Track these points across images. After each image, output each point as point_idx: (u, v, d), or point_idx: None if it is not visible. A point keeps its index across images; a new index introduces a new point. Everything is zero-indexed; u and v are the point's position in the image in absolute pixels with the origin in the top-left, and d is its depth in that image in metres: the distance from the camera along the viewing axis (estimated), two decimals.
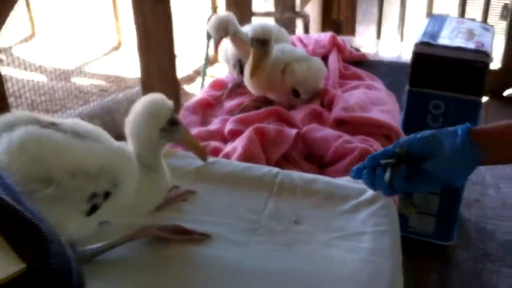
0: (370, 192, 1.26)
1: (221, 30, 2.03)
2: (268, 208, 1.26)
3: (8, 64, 4.17)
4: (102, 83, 4.45)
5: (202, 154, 1.21)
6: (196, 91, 3.98)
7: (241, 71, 2.09)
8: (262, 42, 1.85)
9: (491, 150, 1.00)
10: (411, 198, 2.53)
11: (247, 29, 2.05)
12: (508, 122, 1.03)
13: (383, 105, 1.97)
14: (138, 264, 1.12)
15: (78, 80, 4.44)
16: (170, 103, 1.13)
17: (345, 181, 1.34)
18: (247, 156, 1.60)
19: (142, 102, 1.13)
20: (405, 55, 2.57)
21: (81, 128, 1.06)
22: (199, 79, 3.99)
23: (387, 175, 1.00)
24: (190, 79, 4.38)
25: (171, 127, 1.12)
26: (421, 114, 2.32)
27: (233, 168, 1.36)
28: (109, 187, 1.03)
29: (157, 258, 1.13)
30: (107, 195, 1.03)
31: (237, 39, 2.06)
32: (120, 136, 1.18)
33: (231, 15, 2.06)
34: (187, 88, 4.25)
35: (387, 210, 1.22)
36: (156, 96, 1.14)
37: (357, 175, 1.06)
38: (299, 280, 1.06)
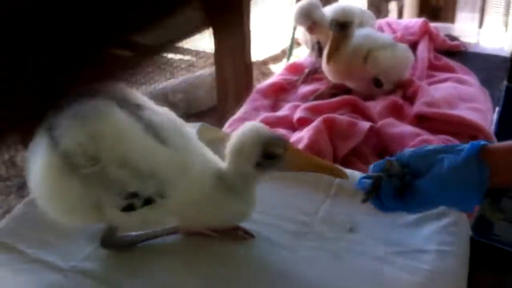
0: None
1: (305, 20, 1.91)
2: (322, 211, 1.14)
3: None
4: (191, 58, 4.43)
5: (335, 173, 1.03)
6: (279, 72, 3.87)
7: (319, 54, 1.96)
8: (342, 25, 1.72)
9: (501, 169, 0.88)
10: (499, 203, 2.31)
11: (329, 10, 1.92)
12: None
13: (474, 102, 1.78)
14: (175, 258, 1.04)
15: (167, 54, 4.44)
16: (263, 135, 0.99)
17: None
18: (312, 148, 1.48)
19: (238, 134, 1.02)
20: (508, 46, 2.33)
21: (159, 122, 0.97)
22: (285, 60, 3.88)
23: (367, 188, 0.94)
24: (276, 58, 4.27)
25: (267, 161, 0.99)
26: None
27: None
28: (154, 194, 0.94)
29: (196, 254, 1.04)
30: (148, 201, 0.94)
31: (317, 24, 1.92)
32: (202, 113, 1.10)
33: (314, 1, 1.93)
34: (273, 67, 4.15)
35: (457, 227, 1.06)
36: (249, 128, 1.01)
37: (360, 183, 0.98)
38: None
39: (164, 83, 3.73)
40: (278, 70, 3.97)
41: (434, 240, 1.03)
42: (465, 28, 3.40)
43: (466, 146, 0.92)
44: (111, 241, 1.04)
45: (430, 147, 0.95)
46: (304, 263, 1.02)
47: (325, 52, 1.78)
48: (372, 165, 0.98)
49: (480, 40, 2.73)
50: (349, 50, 1.76)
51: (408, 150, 0.97)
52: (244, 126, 1.03)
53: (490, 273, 2.27)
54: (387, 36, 1.98)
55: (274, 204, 1.14)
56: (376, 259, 1.01)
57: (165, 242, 1.07)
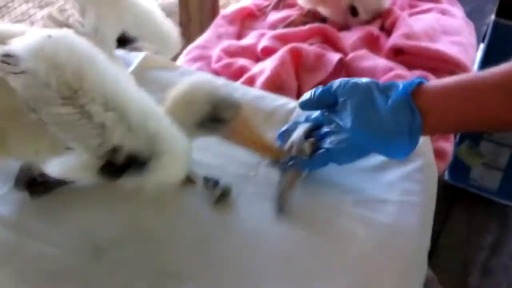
0: None
1: None
2: None
3: None
4: None
5: (272, 154, 0.91)
6: None
7: None
8: None
9: (436, 114, 0.81)
10: (477, 147, 2.22)
11: None
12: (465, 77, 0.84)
13: (457, 36, 1.63)
14: (101, 203, 0.90)
15: None
16: (217, 94, 0.84)
17: None
18: (275, 81, 1.34)
19: (178, 88, 0.86)
20: None
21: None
22: None
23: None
24: None
25: (212, 124, 0.85)
26: (504, 52, 1.95)
27: (242, 95, 1.08)
28: (142, 153, 0.77)
29: (125, 199, 0.89)
30: (133, 161, 0.77)
31: None
32: None
33: None
34: None
35: (423, 174, 0.92)
36: (202, 82, 0.87)
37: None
38: (290, 253, 0.82)
39: None
40: None
41: (396, 188, 0.90)
42: None
43: (399, 85, 0.82)
44: (28, 182, 0.90)
45: (364, 81, 0.85)
46: (245, 214, 0.89)
47: None
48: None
49: None
50: None
51: (337, 81, 0.86)
52: (196, 77, 0.89)
53: (464, 218, 2.20)
54: None
55: (217, 142, 0.99)
56: (328, 209, 0.88)
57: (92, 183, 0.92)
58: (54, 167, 0.80)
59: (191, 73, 1.19)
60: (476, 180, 2.29)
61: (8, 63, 0.74)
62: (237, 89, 1.10)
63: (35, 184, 0.91)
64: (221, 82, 1.14)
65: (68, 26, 0.89)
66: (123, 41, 0.96)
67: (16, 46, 0.75)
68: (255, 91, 1.12)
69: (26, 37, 0.76)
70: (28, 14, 2.78)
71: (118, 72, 0.80)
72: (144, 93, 0.81)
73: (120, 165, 0.77)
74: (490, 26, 1.91)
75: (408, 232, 0.85)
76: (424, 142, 0.96)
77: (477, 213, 2.27)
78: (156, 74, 1.13)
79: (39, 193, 0.91)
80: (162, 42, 1.00)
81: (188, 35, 1.93)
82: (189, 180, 0.93)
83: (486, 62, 1.88)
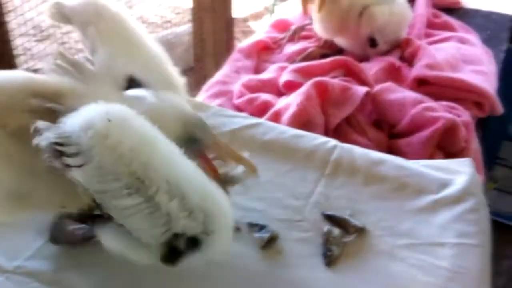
0: (455, 187, 0.94)
1: None
2: (316, 194, 0.96)
3: None
4: (167, 13, 4.19)
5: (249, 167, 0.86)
6: (263, 30, 3.67)
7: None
8: None
9: None
10: (491, 172, 2.20)
11: None
12: None
13: (478, 65, 1.62)
14: None
15: (141, 9, 4.19)
16: (184, 114, 0.81)
17: (424, 166, 1.01)
18: (302, 116, 1.31)
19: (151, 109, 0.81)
20: (503, 6, 2.16)
21: None
22: (267, 17, 3.68)
23: None
24: (258, 16, 4.06)
25: (187, 144, 0.80)
26: None
27: (278, 134, 1.06)
28: (200, 232, 0.74)
29: None
30: (193, 242, 0.74)
31: None
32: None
33: None
34: (254, 26, 3.94)
35: (478, 214, 0.89)
36: (169, 103, 0.83)
37: None
38: None
39: None
40: (259, 28, 3.79)
41: (452, 230, 0.87)
42: None
43: None
44: (62, 236, 0.85)
45: None
46: (292, 260, 0.85)
47: (316, 2, 1.59)
48: None
49: None
50: (344, 2, 1.57)
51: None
52: (167, 99, 0.85)
53: None
54: None
55: (258, 186, 0.96)
56: (383, 254, 0.85)
57: None
58: (110, 242, 0.77)
59: (224, 112, 1.16)
60: (489, 205, 2.27)
61: (62, 150, 0.69)
62: (274, 128, 1.08)
63: (68, 235, 0.87)
64: (253, 121, 1.12)
65: (78, 65, 0.86)
66: (131, 85, 0.91)
67: (70, 128, 0.70)
68: (293, 131, 1.09)
69: (80, 117, 0.71)
70: (26, 47, 2.75)
71: (174, 150, 0.76)
72: (198, 168, 0.77)
73: (181, 250, 0.74)
74: (504, 53, 1.91)
75: (468, 276, 0.81)
76: (475, 181, 0.93)
77: (493, 239, 2.24)
78: None
79: (73, 243, 0.87)
80: (169, 89, 0.95)
81: (203, 69, 1.91)
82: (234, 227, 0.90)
83: (501, 88, 1.87)
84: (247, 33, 3.85)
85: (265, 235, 0.87)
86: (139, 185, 0.69)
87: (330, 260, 0.84)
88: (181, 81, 0.98)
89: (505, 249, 2.25)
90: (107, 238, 0.77)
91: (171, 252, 0.74)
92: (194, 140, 0.80)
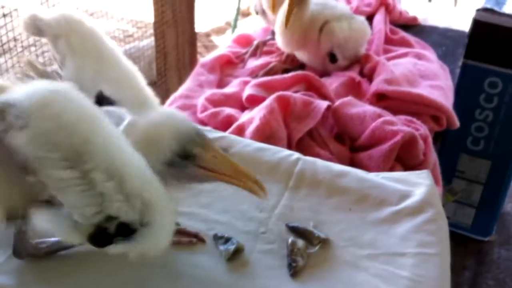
0: (414, 198, 0.97)
1: None
2: (280, 206, 0.98)
3: None
4: (129, 27, 4.18)
5: (254, 190, 0.84)
6: (226, 44, 3.69)
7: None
8: None
9: None
10: (450, 185, 2.25)
11: None
12: None
13: (435, 80, 1.67)
14: (101, 267, 0.85)
15: (102, 23, 4.16)
16: (182, 128, 0.80)
17: (385, 178, 1.04)
18: (265, 130, 1.33)
19: (152, 121, 0.82)
20: (459, 23, 2.24)
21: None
22: (229, 32, 3.70)
23: None
24: (220, 31, 4.09)
25: (181, 161, 0.80)
26: (474, 92, 2.02)
27: (243, 148, 1.07)
28: (135, 221, 0.74)
29: (126, 262, 0.84)
30: (126, 230, 0.74)
31: None
32: None
33: None
34: (216, 40, 3.96)
35: (436, 224, 0.93)
36: (167, 116, 0.82)
37: None
38: None
39: None
40: (221, 43, 3.82)
41: (411, 240, 0.90)
42: (413, 2, 3.30)
43: None
44: (26, 249, 0.85)
45: None
46: (257, 272, 0.86)
47: (279, 16, 1.62)
48: None
49: (428, 16, 2.63)
50: (306, 17, 1.61)
51: None
52: (160, 112, 0.85)
53: None
54: (345, 6, 1.83)
55: (223, 198, 0.98)
56: (346, 265, 0.87)
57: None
58: (44, 224, 0.77)
59: None
60: (449, 217, 2.33)
61: (6, 114, 0.69)
62: (239, 142, 1.09)
63: (32, 249, 0.86)
64: (217, 135, 1.13)
65: (47, 76, 0.86)
66: (100, 101, 0.91)
67: (17, 96, 0.71)
68: (256, 144, 1.11)
69: (27, 88, 0.72)
70: None
71: (116, 134, 0.77)
72: (139, 156, 0.77)
73: (111, 233, 0.74)
74: (460, 68, 1.98)
75: (428, 284, 0.84)
76: (433, 192, 0.96)
77: (453, 250, 2.29)
78: None
79: (38, 257, 0.86)
80: (142, 107, 0.95)
81: (166, 84, 1.92)
82: (199, 239, 0.90)
83: (457, 102, 1.94)
84: (210, 47, 3.87)
85: (230, 247, 0.88)
86: (77, 159, 0.70)
87: (295, 271, 0.86)
88: (155, 99, 0.99)
89: (466, 260, 2.31)
90: (42, 219, 0.76)
91: (100, 233, 0.74)
92: (188, 155, 0.79)
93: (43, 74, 0.87)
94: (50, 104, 0.71)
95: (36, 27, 0.95)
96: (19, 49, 2.61)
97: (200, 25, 3.56)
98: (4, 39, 1.78)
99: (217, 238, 0.91)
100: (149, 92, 0.98)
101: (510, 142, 2.07)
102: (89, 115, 0.74)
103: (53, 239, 0.86)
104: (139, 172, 0.75)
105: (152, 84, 2.61)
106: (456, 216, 2.32)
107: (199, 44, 3.40)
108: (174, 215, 0.80)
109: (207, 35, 4.00)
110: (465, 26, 2.06)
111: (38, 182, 0.72)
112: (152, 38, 3.50)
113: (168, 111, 0.85)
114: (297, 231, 0.93)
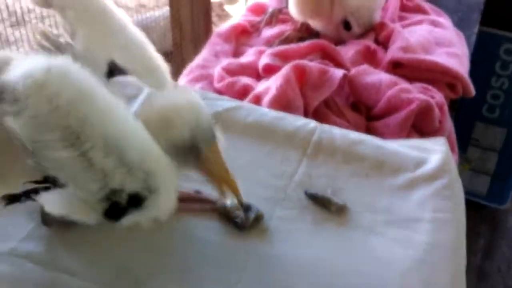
0: (430, 165, 0.98)
1: None
2: (299, 174, 1.00)
3: None
4: None
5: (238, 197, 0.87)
6: (240, 13, 3.67)
7: None
8: None
9: None
10: (465, 153, 2.26)
11: None
12: None
13: (450, 47, 1.66)
14: (128, 234, 0.88)
15: None
16: (201, 120, 0.81)
17: (401, 145, 1.05)
18: (282, 99, 1.33)
19: (163, 103, 0.83)
20: None
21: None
22: (242, 1, 3.68)
23: None
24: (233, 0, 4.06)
25: (187, 152, 0.81)
26: (490, 59, 2.01)
27: (260, 117, 1.09)
28: (142, 189, 0.76)
29: (147, 230, 0.87)
30: (136, 200, 0.76)
31: None
32: None
33: None
34: (229, 9, 3.94)
35: (452, 191, 0.94)
36: (185, 103, 0.83)
37: None
38: (325, 277, 0.82)
39: None
40: (234, 12, 3.80)
41: (428, 206, 0.92)
42: None
43: None
44: (52, 218, 0.87)
45: None
46: (278, 237, 0.89)
47: None
48: None
49: None
50: None
51: None
52: (184, 96, 0.85)
53: None
54: None
55: (242, 166, 0.98)
56: (363, 230, 0.89)
57: None
58: (54, 206, 0.78)
59: (207, 96, 1.18)
60: (465, 185, 2.33)
61: (3, 98, 0.69)
62: (255, 111, 1.11)
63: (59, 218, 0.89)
64: (235, 104, 1.14)
65: (61, 46, 0.87)
66: (112, 72, 0.92)
67: (12, 77, 0.70)
68: (274, 113, 1.13)
69: (22, 66, 0.71)
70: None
71: (116, 107, 0.77)
72: (141, 126, 0.78)
73: (123, 206, 0.76)
74: (475, 36, 1.97)
75: (444, 248, 0.86)
76: (448, 159, 0.97)
77: (468, 218, 2.30)
78: None
79: (64, 225, 0.89)
80: (152, 77, 0.96)
81: (181, 54, 1.93)
82: (219, 205, 0.93)
83: (472, 69, 1.93)
84: (223, 17, 3.86)
85: (251, 215, 0.90)
86: (74, 140, 0.70)
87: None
88: (164, 65, 0.99)
89: (481, 228, 2.33)
90: (51, 203, 0.78)
91: (114, 208, 0.76)
92: (196, 148, 0.81)
93: (57, 45, 0.88)
94: (45, 86, 0.70)
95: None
96: (34, 21, 2.63)
97: None
98: (18, 11, 1.78)
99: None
100: (159, 60, 0.99)
101: None
102: (86, 93, 0.73)
103: None
104: (139, 143, 0.76)
105: (168, 54, 2.63)
106: (472, 184, 2.33)
107: (212, 14, 3.40)
108: (177, 179, 0.81)
109: (220, 4, 3.99)
110: None
111: (37, 164, 0.73)
112: (167, 8, 3.50)
113: (192, 97, 0.84)
114: (315, 198, 0.95)
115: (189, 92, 0.86)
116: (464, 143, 2.22)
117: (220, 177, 0.84)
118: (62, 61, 0.74)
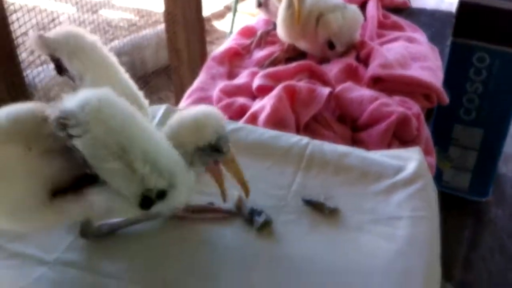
0: (407, 171, 1.15)
1: None
2: (295, 184, 1.17)
3: None
4: (132, 16, 4.30)
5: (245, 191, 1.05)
6: (226, 28, 3.83)
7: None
8: None
9: None
10: (446, 153, 2.42)
11: None
12: None
13: (425, 61, 1.83)
14: (154, 241, 1.05)
15: (106, 13, 4.29)
16: (222, 126, 1.01)
17: (382, 155, 1.23)
18: (276, 117, 1.50)
19: (188, 114, 1.02)
20: (447, 4, 2.39)
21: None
22: (229, 15, 3.84)
23: None
24: (220, 15, 4.22)
25: (211, 151, 1.00)
26: (464, 67, 2.18)
27: (259, 136, 1.26)
28: (166, 186, 0.95)
29: (174, 237, 1.05)
30: (162, 194, 0.95)
31: None
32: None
33: None
34: (217, 24, 4.10)
35: (426, 192, 1.12)
36: (212, 111, 1.03)
37: None
38: (324, 269, 0.98)
39: (109, 45, 3.60)
40: (223, 27, 3.95)
41: (406, 206, 1.08)
42: None
43: None
44: (90, 231, 1.04)
45: None
46: (284, 237, 1.05)
47: (281, 10, 1.80)
48: None
49: None
50: (305, 10, 1.78)
51: None
52: (206, 106, 1.05)
53: (441, 218, 2.38)
54: None
55: (247, 179, 1.15)
56: (353, 228, 1.06)
57: (142, 227, 1.08)
58: (101, 201, 0.95)
59: None
60: (448, 182, 2.50)
61: (66, 124, 0.87)
62: (255, 131, 1.27)
63: (95, 230, 1.05)
64: (236, 126, 1.31)
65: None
66: None
67: (70, 106, 0.89)
68: (271, 132, 1.29)
69: (75, 99, 0.90)
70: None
71: (148, 126, 0.98)
72: (163, 136, 0.98)
73: (152, 198, 0.95)
74: (449, 47, 2.13)
75: (422, 241, 1.03)
76: (423, 165, 1.15)
77: (453, 212, 2.45)
78: None
79: (100, 237, 1.05)
80: (136, 103, 1.10)
81: (179, 77, 2.09)
82: (231, 214, 1.09)
83: (447, 77, 2.10)
84: (211, 32, 4.01)
85: (261, 219, 1.07)
86: (122, 154, 0.89)
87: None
88: (145, 102, 1.17)
89: (466, 220, 2.47)
90: (99, 199, 0.94)
91: (146, 201, 0.94)
92: (217, 150, 1.00)
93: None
94: (100, 111, 0.89)
95: (47, 46, 1.10)
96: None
97: None
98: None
99: (252, 210, 1.09)
100: (140, 95, 1.16)
101: (499, 111, 2.23)
102: (129, 116, 0.93)
103: (112, 220, 1.05)
104: (165, 152, 0.96)
105: (159, 71, 2.74)
106: (454, 181, 2.48)
107: None
108: (191, 177, 1.00)
109: (208, 19, 4.14)
110: (451, 7, 2.22)
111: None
112: (157, 27, 3.62)
113: (211, 109, 1.04)
114: (311, 203, 1.11)
115: (207, 107, 1.05)
116: (445, 143, 2.37)
117: (237, 177, 1.03)
118: (105, 92, 0.94)
